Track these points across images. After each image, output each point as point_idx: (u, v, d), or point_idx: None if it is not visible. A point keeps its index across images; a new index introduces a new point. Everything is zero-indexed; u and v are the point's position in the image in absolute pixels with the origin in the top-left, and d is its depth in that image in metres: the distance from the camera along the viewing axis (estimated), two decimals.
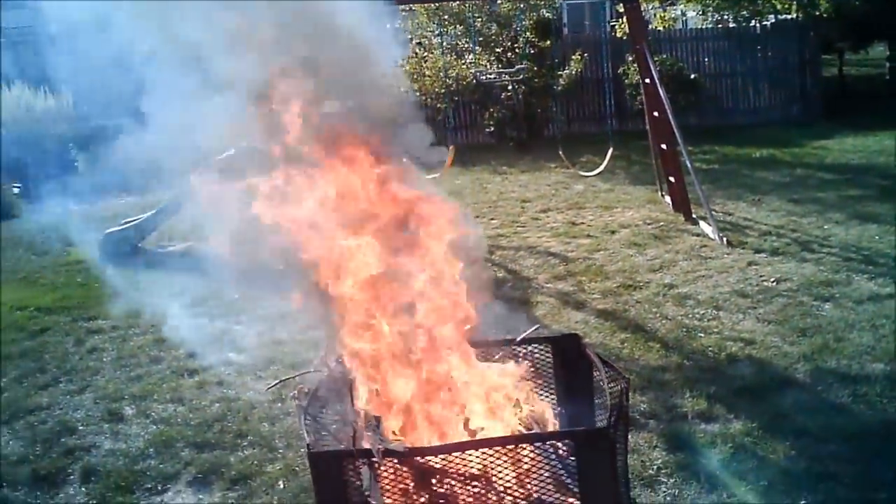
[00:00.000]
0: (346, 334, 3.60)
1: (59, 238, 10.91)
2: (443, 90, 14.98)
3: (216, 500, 4.61)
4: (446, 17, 17.31)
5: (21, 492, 4.83)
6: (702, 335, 6.39)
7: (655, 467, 4.55)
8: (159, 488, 4.77)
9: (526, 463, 3.33)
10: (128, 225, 10.46)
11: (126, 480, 4.84)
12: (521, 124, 17.11)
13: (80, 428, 5.53)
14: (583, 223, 10.31)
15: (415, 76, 16.68)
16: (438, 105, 16.16)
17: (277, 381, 4.88)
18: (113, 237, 10.28)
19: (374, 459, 3.02)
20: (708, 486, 4.33)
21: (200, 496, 4.67)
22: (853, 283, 7.24)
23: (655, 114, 10.45)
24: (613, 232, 9.71)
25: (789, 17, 18.84)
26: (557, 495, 3.29)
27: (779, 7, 18.50)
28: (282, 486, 4.69)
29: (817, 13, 17.59)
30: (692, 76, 17.86)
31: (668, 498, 4.27)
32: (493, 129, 17.18)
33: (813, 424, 4.86)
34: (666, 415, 5.15)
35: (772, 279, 7.53)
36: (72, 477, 4.93)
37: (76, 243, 10.74)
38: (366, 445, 3.12)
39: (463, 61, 17.09)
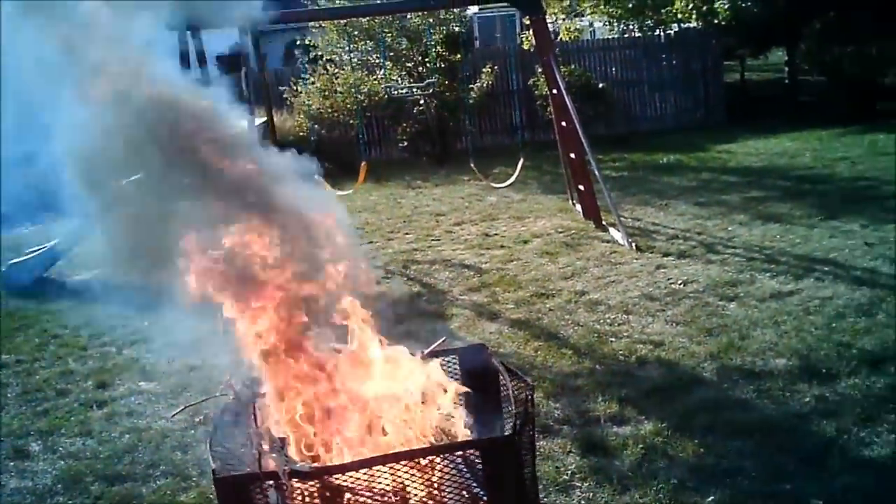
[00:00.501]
0: (251, 355, 3.57)
1: None
2: (354, 106, 14.95)
3: None
4: (356, 33, 17.30)
5: None
6: (612, 339, 6.49)
7: (570, 472, 4.60)
8: None
9: (435, 474, 3.34)
10: (32, 255, 10.18)
11: None
12: (434, 138, 17.19)
13: None
14: (496, 234, 10.40)
15: (326, 93, 16.68)
16: (351, 121, 16.15)
17: (182, 408, 4.79)
18: (16, 268, 9.99)
19: (280, 482, 2.98)
20: (621, 487, 4.40)
21: None
22: (756, 281, 7.46)
23: (564, 124, 10.61)
24: (526, 242, 9.81)
25: (692, 25, 19.34)
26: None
27: (680, 16, 18.98)
28: None
29: (716, 21, 18.10)
30: (600, 85, 18.19)
31: (583, 502, 4.33)
32: (406, 143, 17.23)
33: (720, 421, 4.98)
34: (579, 420, 5.22)
35: (679, 281, 7.70)
36: None
37: None
38: (272, 467, 3.08)
39: (374, 77, 17.10)
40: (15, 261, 10.09)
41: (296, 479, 3.03)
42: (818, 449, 4.61)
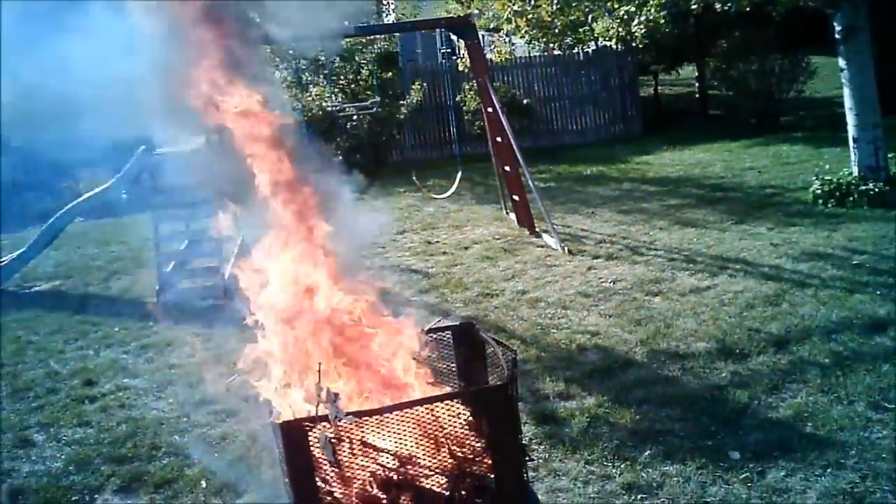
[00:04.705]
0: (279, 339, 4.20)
1: None
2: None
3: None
4: (290, 51, 17.88)
5: None
6: (554, 331, 7.32)
7: (527, 438, 5.37)
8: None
9: (447, 421, 4.00)
10: None
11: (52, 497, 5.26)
12: (368, 152, 17.87)
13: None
14: (438, 241, 11.18)
15: None
16: None
17: (234, 377, 5.30)
18: None
19: (333, 423, 3.59)
20: (571, 448, 5.20)
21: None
22: (677, 279, 8.38)
23: (498, 139, 11.43)
24: (467, 248, 10.61)
25: (609, 43, 20.45)
26: (470, 444, 4.00)
27: (598, 36, 20.06)
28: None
29: (634, 44, 19.24)
30: (525, 101, 19.14)
31: (541, 460, 5.11)
32: (340, 157, 17.85)
33: (651, 394, 5.85)
34: (531, 398, 6.01)
35: (609, 280, 8.58)
36: None
37: None
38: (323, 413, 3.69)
39: (308, 94, 17.70)
40: None
41: (345, 423, 3.64)
42: (734, 413, 5.49)
